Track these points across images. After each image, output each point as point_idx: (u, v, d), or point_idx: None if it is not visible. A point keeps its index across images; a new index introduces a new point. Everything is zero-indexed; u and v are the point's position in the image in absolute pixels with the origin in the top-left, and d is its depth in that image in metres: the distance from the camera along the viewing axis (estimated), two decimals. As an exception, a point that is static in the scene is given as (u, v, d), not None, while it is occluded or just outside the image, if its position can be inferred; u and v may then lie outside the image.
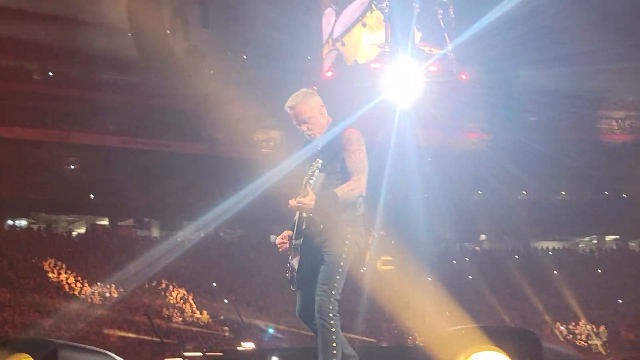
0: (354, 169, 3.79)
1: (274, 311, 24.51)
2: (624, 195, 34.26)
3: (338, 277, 3.73)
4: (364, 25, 25.74)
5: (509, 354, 2.26)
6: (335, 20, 26.45)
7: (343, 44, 25.91)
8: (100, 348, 4.78)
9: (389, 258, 20.62)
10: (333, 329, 3.68)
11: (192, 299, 24.50)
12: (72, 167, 31.45)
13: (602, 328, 25.73)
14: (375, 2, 24.97)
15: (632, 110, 36.37)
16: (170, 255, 23.68)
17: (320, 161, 3.71)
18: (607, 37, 31.19)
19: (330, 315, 3.64)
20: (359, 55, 25.59)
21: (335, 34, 26.42)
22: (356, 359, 3.92)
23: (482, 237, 34.73)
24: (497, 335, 2.36)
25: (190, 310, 23.98)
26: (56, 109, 29.33)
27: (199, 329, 23.34)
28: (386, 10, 24.68)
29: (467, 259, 30.37)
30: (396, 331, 22.72)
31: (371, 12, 25.39)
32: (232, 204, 20.58)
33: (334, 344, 3.72)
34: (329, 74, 25.85)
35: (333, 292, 3.70)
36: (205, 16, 19.92)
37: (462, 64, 26.08)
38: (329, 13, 26.84)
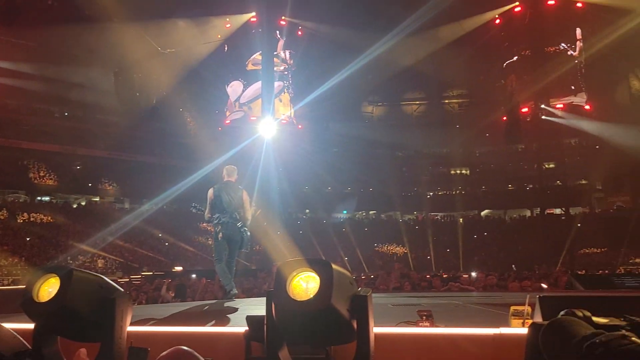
0: None
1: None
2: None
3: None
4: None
5: (317, 273, 2.37)
6: (243, 91, 31.38)
7: (250, 108, 30.93)
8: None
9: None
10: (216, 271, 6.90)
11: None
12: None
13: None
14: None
15: (431, 158, 42.20)
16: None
17: None
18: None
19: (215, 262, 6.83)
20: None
21: (242, 100, 31.35)
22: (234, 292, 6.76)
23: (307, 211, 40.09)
24: (311, 262, 2.43)
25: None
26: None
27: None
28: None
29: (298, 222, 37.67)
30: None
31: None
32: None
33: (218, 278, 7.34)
34: (227, 121, 32.89)
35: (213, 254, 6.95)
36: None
37: (300, 119, 34.38)
38: (236, 84, 31.81)
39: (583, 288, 8.22)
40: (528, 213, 39.27)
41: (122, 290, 2.52)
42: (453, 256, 33.03)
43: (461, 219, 39.66)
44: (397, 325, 3.56)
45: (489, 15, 30.12)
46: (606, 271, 18.06)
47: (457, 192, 41.91)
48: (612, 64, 30.82)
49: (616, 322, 1.71)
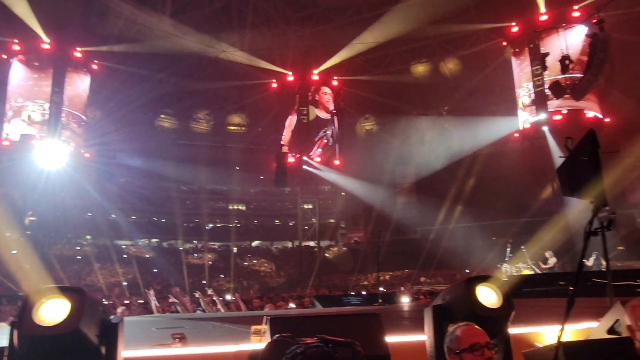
0: None
1: None
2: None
3: None
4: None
5: (68, 299, 2.38)
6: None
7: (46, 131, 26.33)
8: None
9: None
10: None
11: None
12: None
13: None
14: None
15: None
16: None
17: None
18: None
19: None
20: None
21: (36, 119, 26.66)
22: None
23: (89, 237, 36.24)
24: (63, 289, 2.40)
25: None
26: None
27: None
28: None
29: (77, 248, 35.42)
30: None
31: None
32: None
33: None
34: (6, 142, 26.95)
35: None
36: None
37: (88, 147, 30.41)
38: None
39: (322, 306, 8.93)
40: (290, 244, 41.48)
41: None
42: (225, 281, 33.22)
43: (235, 248, 40.28)
44: (153, 347, 3.43)
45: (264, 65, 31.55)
46: (340, 292, 19.90)
47: (234, 224, 42.61)
48: (352, 118, 35.31)
49: (312, 340, 1.97)
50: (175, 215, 36.94)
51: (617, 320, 3.07)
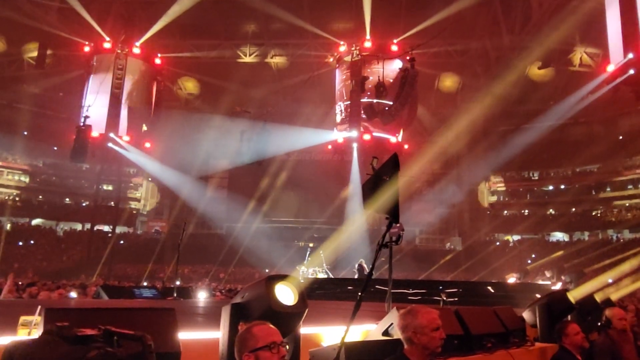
0: None
1: None
2: None
3: None
4: None
5: None
6: None
7: None
8: None
9: None
10: None
11: None
12: None
13: None
14: None
15: None
16: None
17: None
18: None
19: None
20: None
21: None
22: None
23: None
24: None
25: None
26: None
27: None
28: None
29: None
30: None
31: None
32: None
33: None
34: None
35: None
36: None
37: None
38: None
39: (108, 298, 8.31)
40: (79, 227, 37.82)
41: None
42: (-10, 261, 28.76)
43: (9, 225, 35.30)
44: None
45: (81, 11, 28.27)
46: (131, 283, 18.82)
47: (10, 197, 37.24)
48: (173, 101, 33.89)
49: (94, 331, 1.79)
50: None
51: (392, 324, 3.49)
